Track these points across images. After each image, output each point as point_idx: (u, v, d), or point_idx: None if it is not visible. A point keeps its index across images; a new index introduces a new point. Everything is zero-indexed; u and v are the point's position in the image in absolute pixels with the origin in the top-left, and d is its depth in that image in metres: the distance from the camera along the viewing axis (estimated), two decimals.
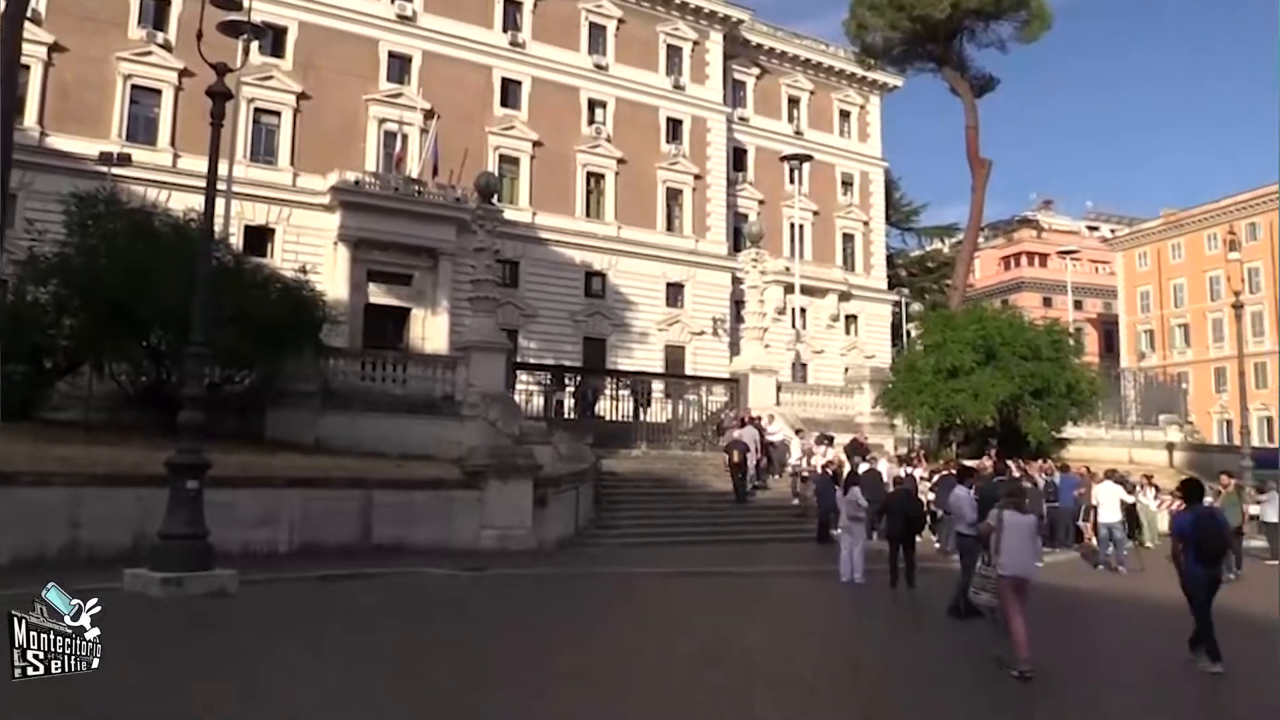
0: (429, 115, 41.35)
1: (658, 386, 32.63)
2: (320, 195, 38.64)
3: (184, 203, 24.50)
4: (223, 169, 21.29)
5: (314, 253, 36.62)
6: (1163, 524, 21.37)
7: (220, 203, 22.10)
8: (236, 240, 31.46)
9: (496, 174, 37.57)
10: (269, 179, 38.18)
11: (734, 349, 43.18)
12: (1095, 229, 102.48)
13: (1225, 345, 67.28)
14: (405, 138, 40.85)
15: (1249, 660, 10.66)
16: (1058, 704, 8.53)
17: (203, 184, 14.24)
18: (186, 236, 17.97)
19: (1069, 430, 29.54)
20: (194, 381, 13.10)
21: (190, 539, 12.12)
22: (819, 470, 21.95)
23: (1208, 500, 12.68)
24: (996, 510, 9.99)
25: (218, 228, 18.63)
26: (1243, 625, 12.99)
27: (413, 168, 40.51)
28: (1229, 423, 64.89)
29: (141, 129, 36.51)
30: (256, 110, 38.40)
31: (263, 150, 38.83)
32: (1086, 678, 9.70)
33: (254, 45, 37.02)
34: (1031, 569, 9.69)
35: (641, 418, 29.42)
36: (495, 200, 26.21)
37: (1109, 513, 19.30)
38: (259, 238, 37.06)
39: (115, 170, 31.22)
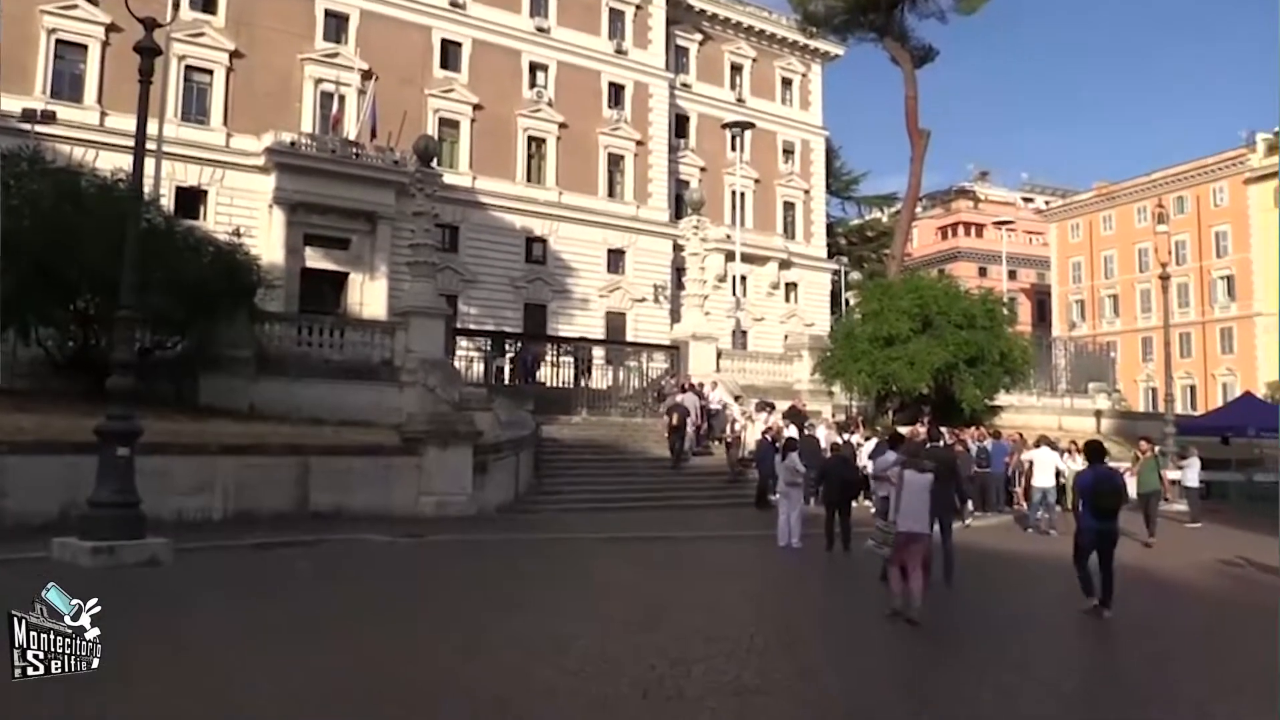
0: (367, 76, 40.64)
1: (598, 353, 32.66)
2: (255, 156, 37.85)
3: (112, 162, 23.80)
4: (152, 128, 20.67)
5: (248, 215, 35.92)
6: None
7: (150, 163, 21.55)
8: (167, 202, 30.74)
9: (436, 137, 37.07)
10: (201, 139, 37.31)
11: (675, 316, 43.34)
12: (1030, 200, 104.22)
13: (1153, 316, 69.06)
14: (342, 99, 40.07)
15: (1150, 615, 11.12)
16: (982, 659, 8.78)
17: (131, 143, 13.86)
18: (115, 197, 17.47)
19: (1001, 398, 30.15)
20: (123, 346, 12.80)
21: (121, 507, 11.90)
22: (761, 437, 22.20)
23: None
24: (897, 469, 10.45)
25: (147, 189, 18.22)
26: (1148, 583, 13.54)
27: (350, 130, 39.80)
28: (1154, 391, 66.84)
29: (67, 85, 35.39)
30: (188, 68, 37.42)
31: (194, 110, 37.89)
32: (1014, 635, 9.99)
33: (184, 0, 36.08)
34: (924, 526, 10.21)
35: (582, 384, 29.45)
36: (434, 164, 25.88)
37: (1044, 477, 19.77)
38: (191, 200, 36.24)
39: (39, 128, 30.19)
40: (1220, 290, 71.09)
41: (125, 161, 16.88)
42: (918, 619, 9.68)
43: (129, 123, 17.40)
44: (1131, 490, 19.02)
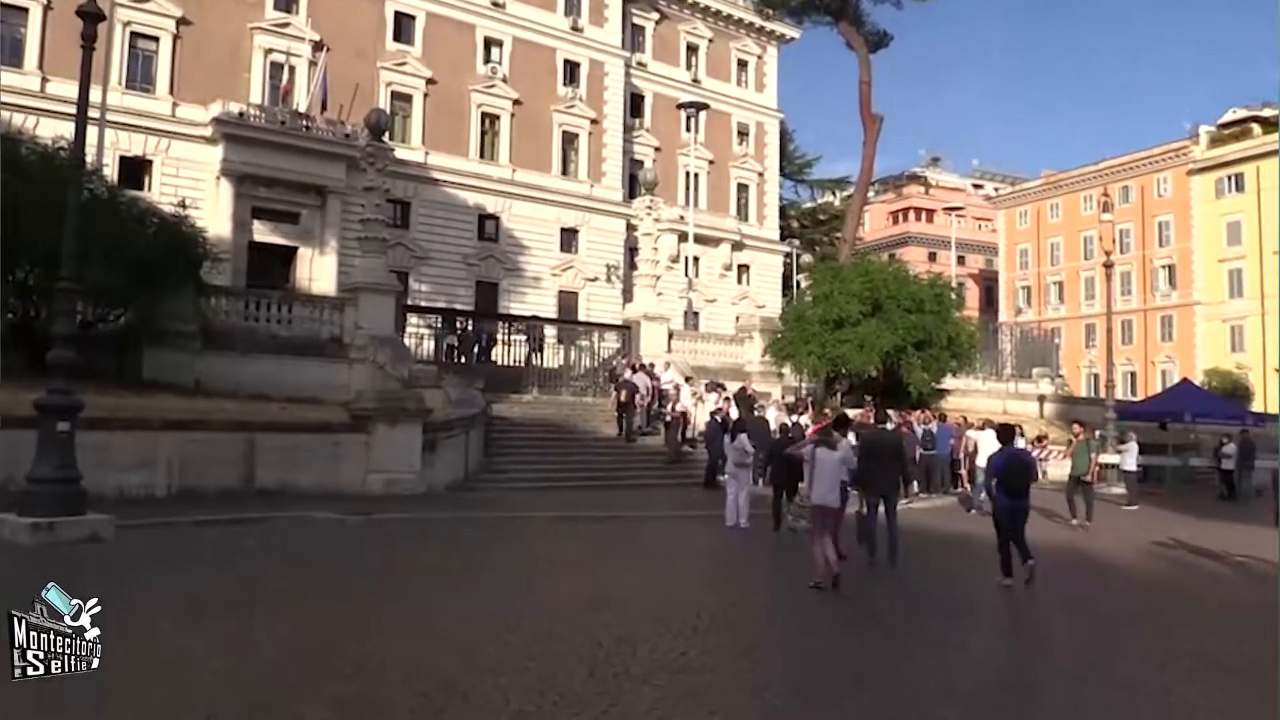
0: (318, 47, 39.98)
1: (550, 332, 32.60)
2: (202, 127, 37.14)
3: (54, 130, 23.18)
4: (95, 96, 20.21)
5: (195, 187, 35.25)
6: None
7: (93, 131, 21.04)
8: (111, 172, 30.02)
9: (388, 111, 36.62)
10: (146, 108, 36.51)
11: (627, 296, 43.33)
12: (980, 187, 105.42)
13: (1096, 303, 70.31)
14: (293, 70, 39.42)
15: (1087, 595, 11.39)
16: (925, 639, 8.94)
17: (73, 110, 13.53)
18: (56, 166, 17.08)
19: (948, 381, 30.58)
20: (64, 319, 12.56)
21: (61, 483, 11.70)
22: (710, 418, 22.31)
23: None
24: (810, 447, 11.02)
25: (90, 157, 17.77)
26: (1085, 564, 13.87)
27: (300, 102, 39.19)
28: (1096, 376, 68.08)
29: (7, 50, 34.44)
30: (133, 34, 36.58)
31: (140, 77, 37.07)
32: (957, 614, 10.18)
33: None
34: (835, 499, 10.80)
35: (534, 363, 29.39)
36: (386, 138, 25.60)
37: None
38: (136, 170, 35.51)
39: None
40: (1162, 279, 72.58)
41: (67, 129, 16.49)
42: (837, 577, 10.23)
43: (71, 89, 16.92)
44: (1065, 472, 19.66)
